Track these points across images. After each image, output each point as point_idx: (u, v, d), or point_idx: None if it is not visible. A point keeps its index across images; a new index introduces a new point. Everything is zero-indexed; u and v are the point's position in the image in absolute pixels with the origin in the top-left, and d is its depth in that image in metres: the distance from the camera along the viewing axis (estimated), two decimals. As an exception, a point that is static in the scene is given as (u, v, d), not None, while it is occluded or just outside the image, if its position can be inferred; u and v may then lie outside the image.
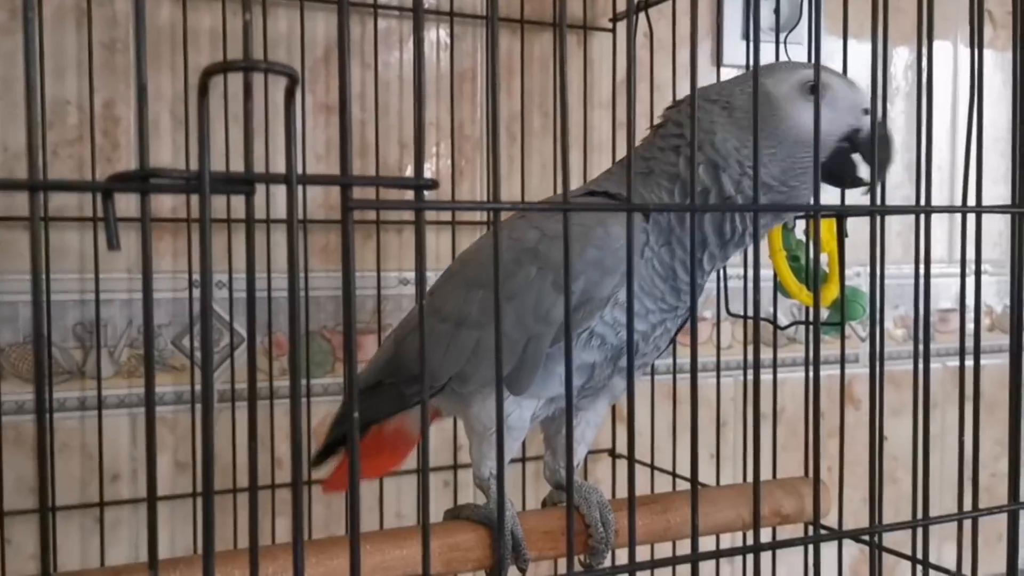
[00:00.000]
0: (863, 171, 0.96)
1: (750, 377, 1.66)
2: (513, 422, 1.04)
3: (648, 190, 1.00)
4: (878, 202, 0.90)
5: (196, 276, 1.46)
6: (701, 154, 0.97)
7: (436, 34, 1.61)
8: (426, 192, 0.64)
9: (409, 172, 1.60)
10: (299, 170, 0.55)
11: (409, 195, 0.63)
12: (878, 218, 0.91)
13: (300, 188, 0.67)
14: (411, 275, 1.60)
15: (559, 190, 1.66)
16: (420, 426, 1.20)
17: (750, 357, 1.65)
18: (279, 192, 1.43)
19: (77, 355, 1.44)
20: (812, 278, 0.98)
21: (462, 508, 1.07)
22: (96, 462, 1.42)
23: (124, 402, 1.47)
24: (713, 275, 1.50)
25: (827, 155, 0.95)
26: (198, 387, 1.47)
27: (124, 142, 1.44)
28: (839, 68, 1.21)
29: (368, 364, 1.21)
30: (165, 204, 1.45)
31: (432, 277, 1.52)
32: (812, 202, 0.85)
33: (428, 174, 1.61)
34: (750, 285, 0.98)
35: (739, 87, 1.00)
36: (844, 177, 0.94)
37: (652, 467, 1.63)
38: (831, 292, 1.18)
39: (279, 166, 1.46)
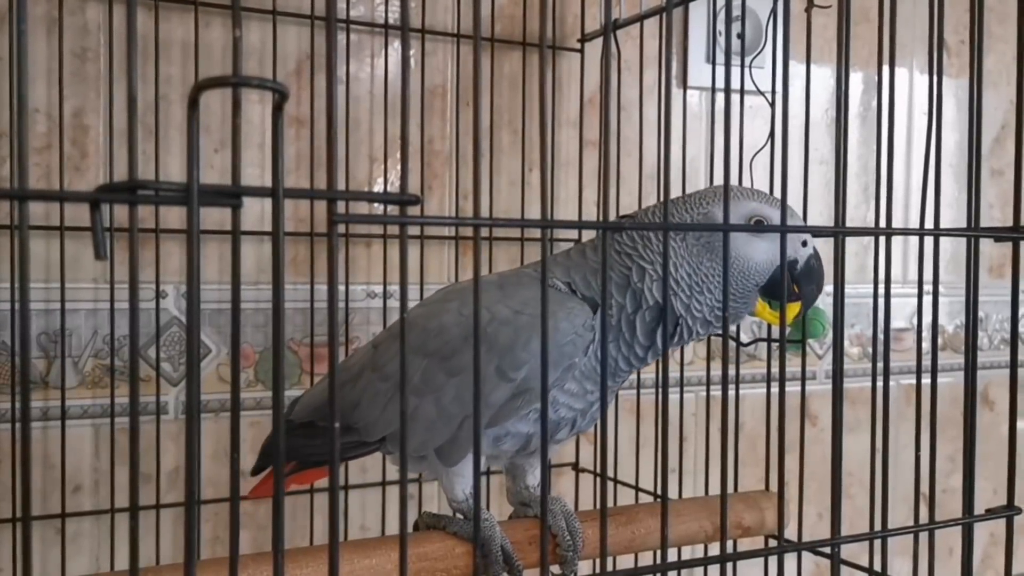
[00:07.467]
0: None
1: (713, 393, 1.69)
2: (462, 470, 1.08)
3: (599, 285, 1.04)
4: (841, 224, 0.94)
5: (163, 287, 1.46)
6: (654, 272, 1.04)
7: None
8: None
9: (378, 187, 1.61)
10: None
11: (385, 210, 0.65)
12: (840, 238, 0.94)
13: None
14: (378, 288, 1.61)
15: (527, 208, 1.68)
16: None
17: (713, 373, 1.68)
18: (248, 204, 1.43)
19: (41, 365, 1.43)
20: (780, 296, 1.01)
21: (441, 519, 1.08)
22: (58, 472, 1.41)
23: (88, 412, 1.46)
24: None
25: (767, 280, 1.05)
26: (164, 398, 1.47)
27: (93, 151, 1.44)
28: (802, 91, 1.25)
29: (304, 398, 1.20)
30: (125, 215, 1.44)
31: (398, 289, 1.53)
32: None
33: (394, 189, 1.63)
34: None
35: (693, 212, 1.06)
36: (780, 296, 1.05)
37: (616, 481, 1.65)
38: (792, 310, 1.21)
39: (246, 176, 1.46)
